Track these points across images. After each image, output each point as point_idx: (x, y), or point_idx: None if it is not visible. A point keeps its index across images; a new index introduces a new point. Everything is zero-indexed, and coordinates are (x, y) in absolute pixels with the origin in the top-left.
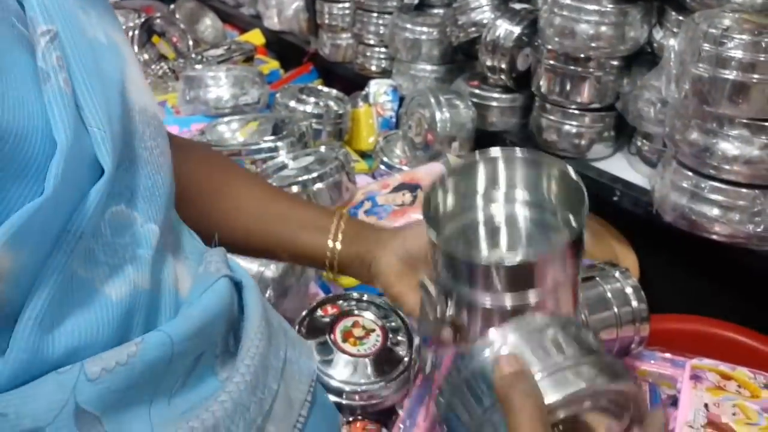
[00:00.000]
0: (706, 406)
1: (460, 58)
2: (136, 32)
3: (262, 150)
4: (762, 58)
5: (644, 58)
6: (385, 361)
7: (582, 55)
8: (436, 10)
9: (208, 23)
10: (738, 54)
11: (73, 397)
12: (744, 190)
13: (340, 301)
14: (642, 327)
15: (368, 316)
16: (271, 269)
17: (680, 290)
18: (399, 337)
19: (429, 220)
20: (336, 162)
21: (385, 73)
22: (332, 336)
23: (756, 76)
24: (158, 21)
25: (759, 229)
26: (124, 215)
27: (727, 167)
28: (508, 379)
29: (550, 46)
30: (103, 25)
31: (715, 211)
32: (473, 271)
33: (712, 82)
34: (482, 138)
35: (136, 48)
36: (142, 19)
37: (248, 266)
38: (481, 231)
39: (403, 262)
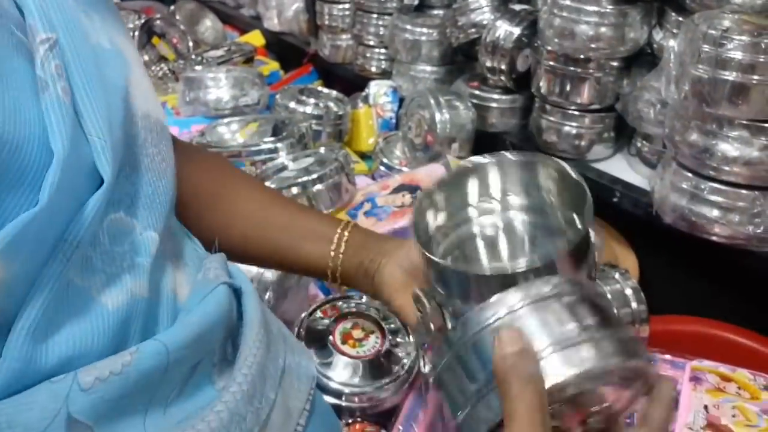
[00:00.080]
0: (705, 407)
1: (460, 59)
2: (136, 33)
3: (261, 151)
4: (762, 59)
5: (644, 59)
6: (384, 363)
7: (582, 56)
8: (435, 11)
9: (209, 24)
10: (737, 55)
11: (66, 407)
12: (744, 191)
13: (340, 303)
14: (642, 328)
15: (367, 318)
16: (270, 271)
17: (680, 291)
18: (398, 339)
19: (419, 235)
20: (336, 163)
21: (385, 74)
22: (331, 338)
23: (756, 77)
24: (158, 22)
25: (759, 231)
26: (123, 223)
27: (726, 168)
28: (509, 360)
29: (549, 47)
30: (107, 30)
31: (715, 213)
32: (476, 284)
33: (712, 83)
34: (482, 139)
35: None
36: (142, 21)
37: (248, 268)
38: (479, 244)
39: (408, 274)
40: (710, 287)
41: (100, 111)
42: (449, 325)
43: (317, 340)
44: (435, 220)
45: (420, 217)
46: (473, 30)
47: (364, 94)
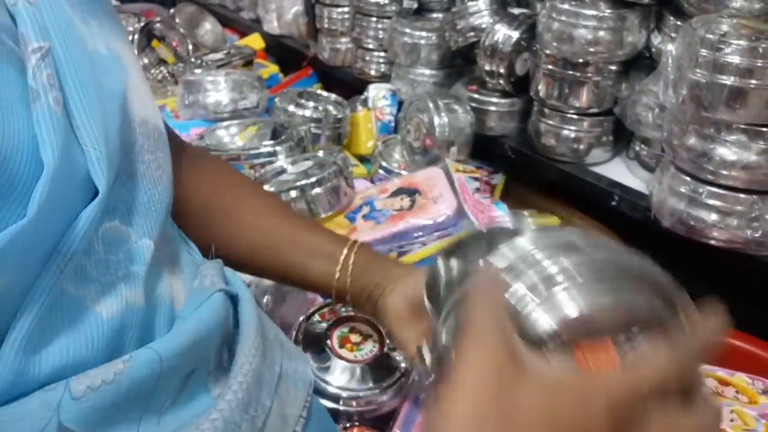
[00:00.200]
0: None
1: (459, 62)
2: (136, 36)
3: (260, 154)
4: (759, 64)
5: (642, 63)
6: (382, 367)
7: (580, 60)
8: (435, 15)
9: (208, 27)
10: (735, 59)
11: (57, 416)
12: (742, 195)
13: (338, 307)
14: None
15: (365, 322)
16: None
17: None
18: None
19: (432, 296)
20: (334, 167)
21: (384, 78)
22: (329, 342)
23: (753, 81)
24: (158, 25)
25: (757, 235)
26: (118, 231)
27: (724, 172)
28: (478, 308)
29: (548, 51)
30: (105, 36)
31: (713, 217)
32: None
33: (710, 87)
34: (481, 142)
35: (135, 52)
36: (142, 24)
37: None
38: None
39: (411, 306)
40: (708, 291)
41: (95, 120)
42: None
43: (315, 344)
44: (448, 274)
45: (433, 276)
46: (472, 34)
47: (363, 97)
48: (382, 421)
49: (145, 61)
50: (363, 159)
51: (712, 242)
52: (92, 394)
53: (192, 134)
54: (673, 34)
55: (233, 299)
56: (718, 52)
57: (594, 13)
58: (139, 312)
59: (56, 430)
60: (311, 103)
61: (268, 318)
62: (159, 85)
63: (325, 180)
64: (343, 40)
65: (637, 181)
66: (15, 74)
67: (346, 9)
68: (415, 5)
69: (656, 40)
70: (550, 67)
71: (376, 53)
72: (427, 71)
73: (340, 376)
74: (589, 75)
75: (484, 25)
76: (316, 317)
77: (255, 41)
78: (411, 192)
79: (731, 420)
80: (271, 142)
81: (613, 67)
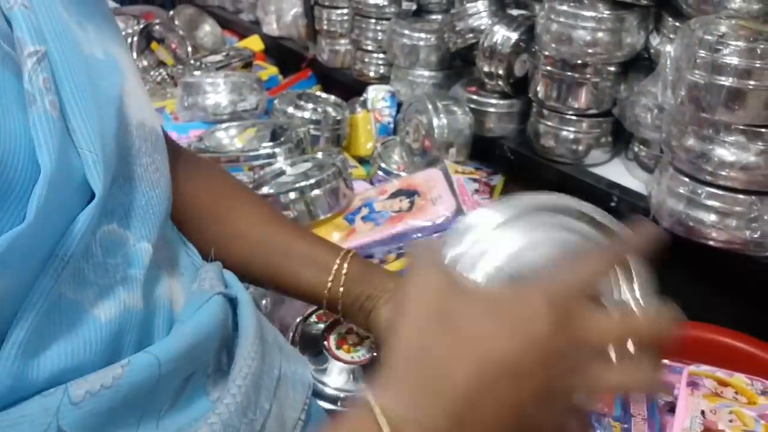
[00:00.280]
0: (702, 413)
1: (458, 64)
2: (135, 39)
3: (260, 156)
4: (758, 65)
5: (641, 64)
6: (379, 368)
7: (579, 61)
8: (433, 17)
9: (208, 29)
10: (734, 60)
11: (56, 421)
12: (741, 196)
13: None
14: None
15: None
16: None
17: (677, 296)
18: None
19: None
20: (333, 168)
21: (383, 79)
22: (326, 343)
23: (752, 82)
24: (157, 27)
25: (756, 235)
26: (116, 234)
27: (723, 173)
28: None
29: (547, 52)
30: (102, 40)
31: (712, 217)
32: None
33: (708, 88)
34: (480, 144)
35: (134, 54)
36: (141, 26)
37: None
38: None
39: None
40: (707, 292)
41: (91, 124)
42: None
43: (312, 346)
44: None
45: None
46: (471, 35)
47: (362, 98)
48: None
49: (145, 63)
50: (362, 160)
51: (711, 243)
52: (91, 399)
53: (191, 136)
54: (671, 35)
55: (232, 302)
56: (717, 53)
57: (592, 14)
58: (138, 315)
59: None
60: (310, 105)
61: (267, 320)
62: (158, 87)
63: (325, 182)
64: (342, 41)
65: (636, 182)
66: (11, 78)
67: (345, 11)
68: (414, 7)
69: (655, 41)
70: (548, 68)
71: (375, 55)
72: (426, 73)
73: (337, 378)
74: (588, 76)
75: (482, 27)
76: (313, 318)
77: (254, 43)
78: (410, 193)
79: (730, 421)
80: (271, 143)
81: (612, 68)
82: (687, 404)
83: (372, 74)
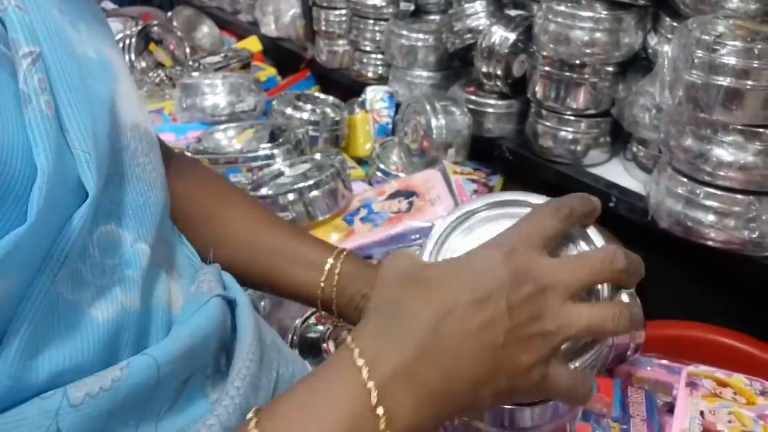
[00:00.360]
0: (701, 413)
1: (456, 64)
2: (133, 40)
3: (258, 157)
4: (755, 65)
5: (639, 64)
6: None
7: (577, 62)
8: (432, 17)
9: (206, 30)
10: (731, 60)
11: (56, 423)
12: (739, 196)
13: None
14: (638, 334)
15: None
16: None
17: (676, 296)
18: None
19: None
20: (332, 169)
21: (381, 80)
22: (325, 346)
23: (749, 82)
24: (156, 29)
25: (754, 235)
26: (113, 234)
27: (721, 173)
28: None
29: (545, 53)
30: (95, 40)
31: (711, 218)
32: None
33: (706, 88)
34: (478, 144)
35: (133, 56)
36: (140, 27)
37: None
38: None
39: None
40: (706, 292)
41: (84, 124)
42: None
43: (311, 349)
44: None
45: None
46: (469, 35)
47: (360, 99)
48: None
49: (143, 64)
50: (361, 161)
51: (710, 243)
52: (90, 402)
53: (190, 137)
54: (669, 35)
55: (231, 304)
56: (714, 53)
57: (590, 14)
58: (135, 316)
59: None
60: (309, 106)
61: (265, 322)
62: (156, 89)
63: (323, 183)
64: (341, 42)
65: (634, 182)
66: (7, 78)
67: (343, 11)
68: (412, 7)
69: (653, 41)
70: (547, 68)
71: (373, 55)
72: (425, 73)
73: None
74: (586, 76)
75: (481, 27)
76: (312, 320)
77: (252, 44)
78: (409, 194)
79: (729, 421)
80: (269, 144)
81: (610, 69)
82: (686, 405)
83: (370, 75)
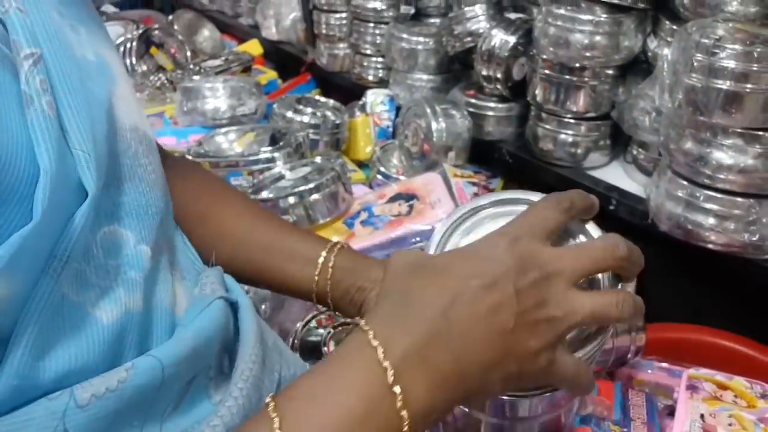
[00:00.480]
0: (702, 416)
1: (457, 67)
2: (134, 43)
3: (259, 161)
4: (754, 68)
5: (639, 67)
6: None
7: (577, 65)
8: (432, 20)
9: (207, 34)
10: (730, 64)
11: (63, 424)
12: (739, 199)
13: (335, 313)
14: (638, 337)
15: None
16: None
17: (676, 299)
18: None
19: None
20: (332, 172)
21: (382, 83)
22: (326, 349)
23: (749, 85)
24: (157, 32)
25: (754, 238)
26: (116, 235)
27: (721, 176)
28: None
29: (545, 56)
30: (93, 42)
31: (711, 220)
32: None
33: (705, 91)
34: (478, 147)
35: (134, 59)
36: (141, 31)
37: None
38: None
39: None
40: (707, 295)
41: (83, 124)
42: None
43: (312, 352)
44: None
45: None
46: (469, 39)
47: (361, 102)
48: None
49: (144, 68)
50: (361, 164)
51: (710, 246)
52: (97, 402)
53: (191, 141)
54: (669, 39)
55: (233, 306)
56: (713, 56)
57: (590, 17)
58: (138, 317)
59: None
60: (309, 109)
61: (266, 325)
62: (157, 92)
63: (324, 186)
64: (341, 45)
65: (634, 185)
66: (10, 79)
67: (343, 15)
68: (412, 11)
69: (652, 44)
70: (546, 71)
71: (373, 59)
72: (425, 76)
73: None
74: (586, 79)
75: (481, 30)
76: (313, 323)
77: (253, 47)
78: (409, 197)
79: (730, 424)
80: (270, 148)
81: (610, 72)
82: (686, 408)
83: (371, 78)
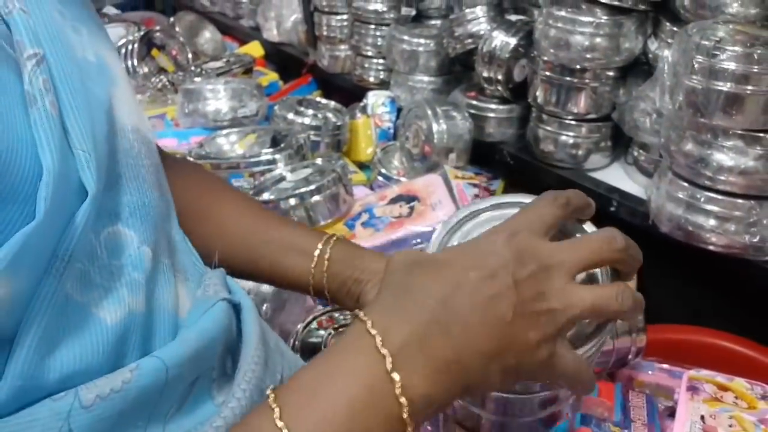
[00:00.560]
0: (702, 418)
1: (458, 69)
2: (136, 45)
3: (260, 162)
4: (755, 70)
5: (640, 68)
6: None
7: (578, 66)
8: (433, 22)
9: (208, 36)
10: (731, 66)
11: (68, 425)
12: (739, 200)
13: (336, 314)
14: (639, 338)
15: None
16: None
17: (677, 301)
18: None
19: None
20: (333, 174)
21: (383, 85)
22: None
23: (749, 87)
24: (158, 34)
25: (755, 240)
26: (120, 236)
27: (722, 178)
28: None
29: (545, 58)
30: (94, 43)
31: (711, 222)
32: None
33: (706, 93)
34: (479, 149)
35: (135, 61)
36: (142, 32)
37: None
38: None
39: None
40: (707, 296)
41: (84, 124)
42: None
43: (312, 353)
44: None
45: None
46: (470, 40)
47: (362, 104)
48: None
49: (145, 69)
50: (362, 166)
51: (711, 248)
52: (101, 403)
53: (192, 142)
54: (669, 40)
55: (236, 308)
56: (714, 58)
57: (590, 19)
58: (140, 318)
59: None
60: (310, 111)
61: (268, 326)
62: (159, 94)
63: (325, 188)
64: (342, 47)
65: (635, 187)
66: (14, 79)
67: (344, 16)
68: (413, 12)
69: (653, 45)
70: (547, 73)
71: (374, 60)
72: (426, 78)
73: None
74: (587, 81)
75: (481, 32)
76: (314, 325)
77: (254, 49)
78: (410, 199)
79: (730, 426)
80: (271, 149)
81: (611, 73)
82: (687, 409)
83: (372, 80)
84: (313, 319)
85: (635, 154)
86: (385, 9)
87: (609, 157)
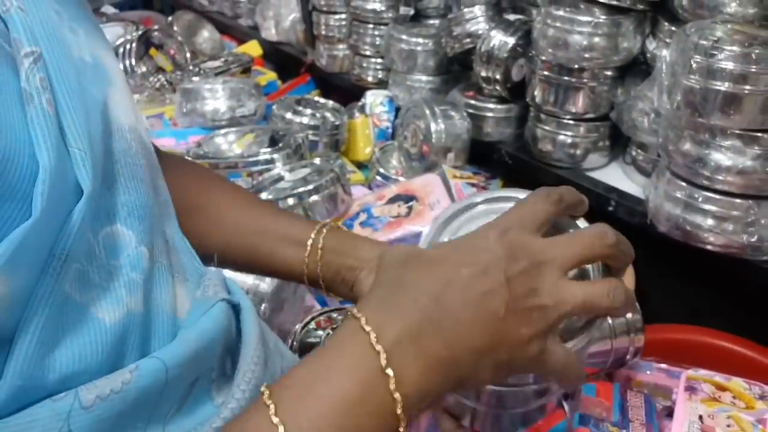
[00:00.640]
0: (700, 417)
1: (456, 68)
2: (134, 44)
3: (258, 162)
4: (753, 69)
5: (638, 68)
6: None
7: (576, 66)
8: (431, 22)
9: (206, 35)
10: (729, 65)
11: (67, 425)
12: (737, 200)
13: (335, 315)
14: (637, 338)
15: None
16: (266, 282)
17: (675, 300)
18: None
19: None
20: (332, 174)
21: (381, 84)
22: None
23: (747, 87)
24: (156, 33)
25: (753, 240)
26: (118, 235)
27: (720, 177)
28: None
29: (544, 57)
30: (90, 44)
31: (709, 222)
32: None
33: (704, 93)
34: (478, 148)
35: (133, 60)
36: (140, 32)
37: (243, 279)
38: None
39: None
40: (705, 296)
41: (80, 123)
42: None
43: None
44: None
45: None
46: (468, 40)
47: (360, 103)
48: None
49: (143, 69)
50: (361, 165)
51: (709, 247)
52: (101, 404)
53: (190, 142)
54: (667, 40)
55: (235, 308)
56: (712, 58)
57: (589, 19)
58: (139, 318)
59: None
60: (309, 111)
61: (267, 327)
62: (157, 93)
63: (323, 187)
64: (341, 46)
65: (633, 186)
66: (12, 76)
67: (343, 16)
68: (412, 12)
69: (651, 45)
70: (545, 72)
71: (373, 60)
72: (424, 77)
73: None
74: (585, 80)
75: (480, 32)
76: (312, 325)
77: (253, 48)
78: (408, 199)
79: (728, 426)
80: (269, 149)
81: (609, 73)
82: (685, 409)
83: (370, 79)
84: (312, 319)
85: (633, 153)
86: (383, 8)
87: (607, 156)
